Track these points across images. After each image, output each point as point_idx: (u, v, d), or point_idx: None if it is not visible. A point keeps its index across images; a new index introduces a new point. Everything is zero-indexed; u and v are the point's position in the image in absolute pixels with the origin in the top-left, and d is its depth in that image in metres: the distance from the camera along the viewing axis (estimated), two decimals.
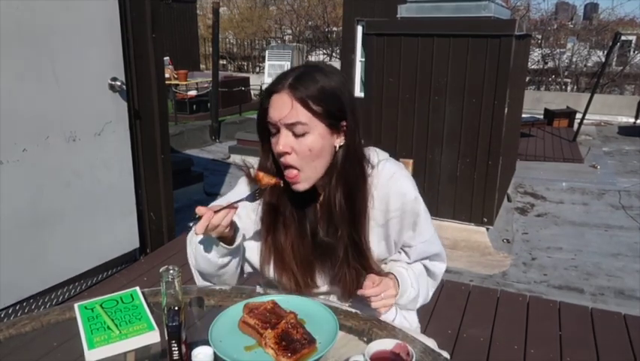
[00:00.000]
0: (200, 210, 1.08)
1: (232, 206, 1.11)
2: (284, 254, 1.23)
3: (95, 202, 2.67)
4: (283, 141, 1.11)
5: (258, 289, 1.33)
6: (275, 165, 1.20)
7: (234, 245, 1.19)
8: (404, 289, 1.24)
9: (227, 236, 1.17)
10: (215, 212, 1.08)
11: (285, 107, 1.09)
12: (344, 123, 1.15)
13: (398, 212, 1.21)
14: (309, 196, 1.21)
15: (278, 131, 1.12)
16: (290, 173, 1.14)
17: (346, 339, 1.07)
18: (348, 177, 1.17)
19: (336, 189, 1.17)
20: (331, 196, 1.18)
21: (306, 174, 1.14)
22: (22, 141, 2.30)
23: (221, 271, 1.24)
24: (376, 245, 1.25)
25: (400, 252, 1.31)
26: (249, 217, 1.28)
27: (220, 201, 1.28)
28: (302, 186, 1.15)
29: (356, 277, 1.21)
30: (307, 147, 1.11)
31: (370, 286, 1.12)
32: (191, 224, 1.08)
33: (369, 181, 1.20)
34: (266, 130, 1.16)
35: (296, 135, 1.11)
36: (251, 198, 1.16)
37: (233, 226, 1.18)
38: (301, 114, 1.09)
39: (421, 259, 1.32)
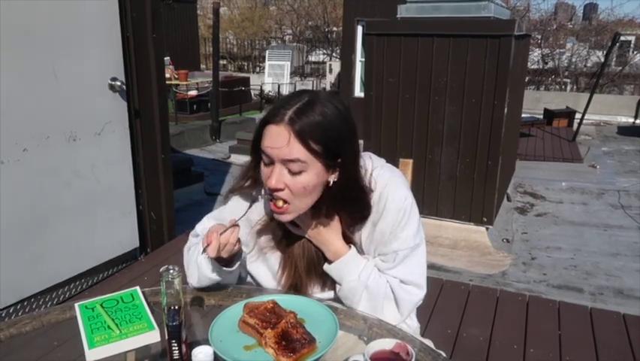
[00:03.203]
0: (208, 238, 1.08)
1: (234, 225, 1.11)
2: (296, 259, 1.23)
3: (95, 202, 2.67)
4: (277, 178, 1.05)
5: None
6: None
7: (233, 267, 1.19)
8: (350, 269, 1.18)
9: (235, 253, 1.16)
10: (220, 233, 1.08)
11: (283, 142, 1.02)
12: (340, 160, 1.09)
13: (389, 218, 1.17)
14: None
15: (271, 162, 1.06)
16: (277, 204, 1.09)
17: (346, 339, 1.07)
18: (344, 208, 1.16)
19: (329, 217, 1.16)
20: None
21: (294, 207, 1.10)
22: (23, 140, 2.30)
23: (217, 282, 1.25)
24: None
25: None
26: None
27: (208, 223, 1.28)
28: (288, 217, 1.12)
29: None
30: (302, 185, 1.06)
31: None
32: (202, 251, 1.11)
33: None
34: (259, 152, 1.10)
35: (291, 172, 1.05)
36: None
37: (240, 244, 1.16)
38: (300, 152, 1.03)
39: (392, 276, 1.20)
